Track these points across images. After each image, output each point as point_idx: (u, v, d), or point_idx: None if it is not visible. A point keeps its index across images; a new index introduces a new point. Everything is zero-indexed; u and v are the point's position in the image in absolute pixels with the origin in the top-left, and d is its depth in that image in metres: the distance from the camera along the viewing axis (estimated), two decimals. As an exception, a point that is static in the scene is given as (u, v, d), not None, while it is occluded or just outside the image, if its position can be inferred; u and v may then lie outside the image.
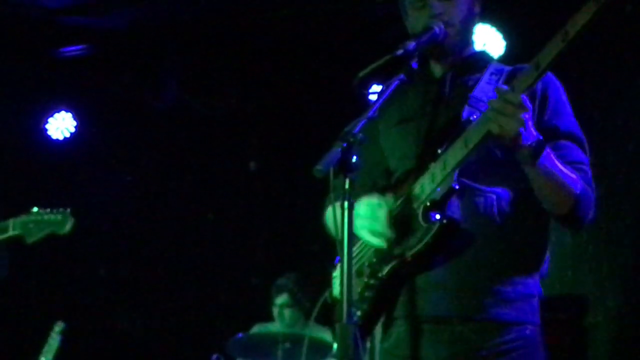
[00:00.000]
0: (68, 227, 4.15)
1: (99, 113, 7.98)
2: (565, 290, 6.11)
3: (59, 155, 7.85)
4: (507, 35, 6.12)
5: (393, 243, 2.93)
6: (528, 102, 2.62)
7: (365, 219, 2.92)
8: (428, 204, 2.84)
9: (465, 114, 2.85)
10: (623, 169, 5.93)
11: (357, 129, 2.56)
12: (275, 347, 5.91)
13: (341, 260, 2.50)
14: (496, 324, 2.85)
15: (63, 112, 7.92)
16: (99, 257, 7.95)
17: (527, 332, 2.87)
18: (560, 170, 2.75)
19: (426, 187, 2.86)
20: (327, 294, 3.20)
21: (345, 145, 2.51)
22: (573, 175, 2.80)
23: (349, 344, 2.45)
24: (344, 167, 2.51)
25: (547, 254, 2.99)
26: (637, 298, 5.95)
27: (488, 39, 6.07)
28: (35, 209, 4.14)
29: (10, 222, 4.13)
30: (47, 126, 7.92)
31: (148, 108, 7.82)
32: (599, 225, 5.98)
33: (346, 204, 2.51)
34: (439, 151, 2.85)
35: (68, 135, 7.93)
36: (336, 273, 3.16)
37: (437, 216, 2.81)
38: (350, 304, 2.48)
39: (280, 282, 6.68)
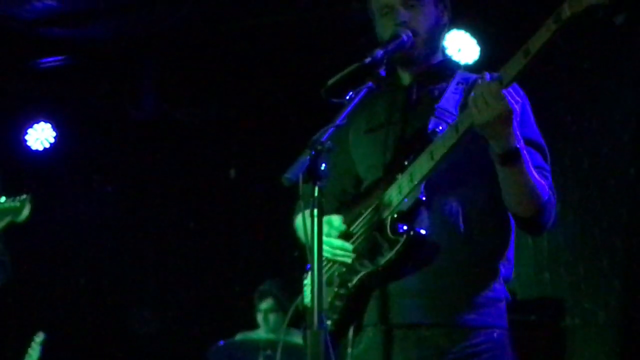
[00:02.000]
0: (25, 212, 4.02)
1: (78, 124, 7.95)
2: (542, 292, 6.14)
3: (39, 166, 7.82)
4: (482, 41, 6.15)
5: (361, 253, 2.96)
6: (510, 98, 2.63)
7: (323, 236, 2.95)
8: (395, 215, 2.88)
9: (431, 125, 2.88)
10: (598, 173, 5.97)
11: (325, 137, 2.57)
12: (257, 354, 5.91)
13: (311, 268, 2.51)
14: (464, 328, 2.87)
15: (42, 123, 7.89)
16: (80, 268, 7.92)
17: (495, 335, 2.90)
18: (532, 173, 2.78)
19: (393, 198, 2.89)
20: (298, 301, 3.21)
21: (313, 153, 2.52)
22: (542, 181, 2.83)
23: (319, 350, 2.46)
24: (312, 175, 2.51)
25: (512, 258, 3.02)
26: (613, 300, 5.98)
27: (462, 45, 6.10)
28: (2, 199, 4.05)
29: None
30: (26, 137, 7.89)
31: (128, 118, 7.80)
32: (575, 228, 6.01)
33: (315, 211, 2.51)
34: (406, 162, 2.88)
35: (48, 145, 7.90)
36: (307, 281, 3.18)
37: (404, 228, 2.85)
38: (320, 310, 2.48)
39: (264, 287, 6.69)
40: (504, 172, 2.75)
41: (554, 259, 6.15)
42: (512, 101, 2.64)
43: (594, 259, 6.08)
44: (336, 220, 3.00)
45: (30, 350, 5.51)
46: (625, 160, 5.97)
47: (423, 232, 2.85)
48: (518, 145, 2.70)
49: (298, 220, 3.21)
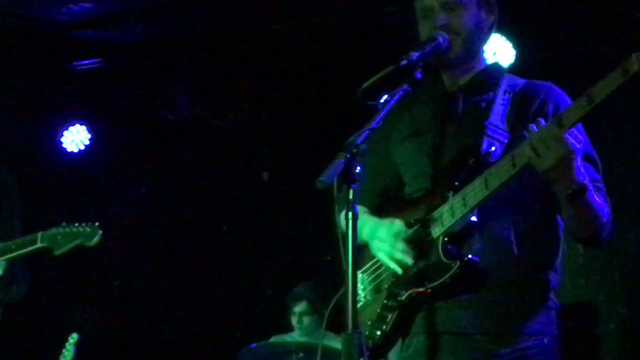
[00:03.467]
0: (96, 239, 4.18)
1: (113, 126, 8.01)
2: (577, 298, 6.11)
3: (74, 168, 7.88)
4: (517, 44, 6.11)
5: (411, 267, 2.95)
6: (571, 139, 2.60)
7: (384, 243, 2.95)
8: (447, 238, 2.87)
9: (485, 146, 2.87)
10: (633, 177, 5.92)
11: (360, 139, 2.55)
12: (289, 357, 5.91)
13: (345, 269, 2.50)
14: (515, 335, 2.89)
15: (78, 125, 7.95)
16: (114, 269, 7.96)
17: (545, 341, 2.91)
18: (595, 201, 2.77)
19: (445, 219, 2.88)
20: (339, 298, 3.20)
21: (348, 156, 2.50)
22: (601, 201, 2.82)
23: (354, 352, 2.45)
24: (347, 178, 2.50)
25: (560, 267, 3.02)
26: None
27: (498, 48, 6.07)
28: (63, 223, 4.18)
29: (39, 234, 4.14)
30: (62, 139, 7.95)
31: (161, 120, 7.85)
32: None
33: (350, 214, 2.50)
34: (457, 183, 2.87)
35: (83, 148, 7.95)
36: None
37: (456, 251, 2.85)
38: (355, 313, 2.47)
39: (298, 290, 6.71)
40: (570, 207, 2.75)
41: (589, 265, 6.11)
42: (574, 141, 2.61)
43: (629, 265, 6.04)
44: (399, 224, 2.97)
45: (64, 351, 5.54)
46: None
47: (475, 259, 2.84)
48: (585, 182, 2.68)
49: (342, 220, 3.22)
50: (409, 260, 2.92)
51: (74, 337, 5.63)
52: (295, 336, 6.66)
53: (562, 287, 3.02)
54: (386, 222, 2.98)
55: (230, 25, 7.00)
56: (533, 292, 2.94)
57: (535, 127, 2.63)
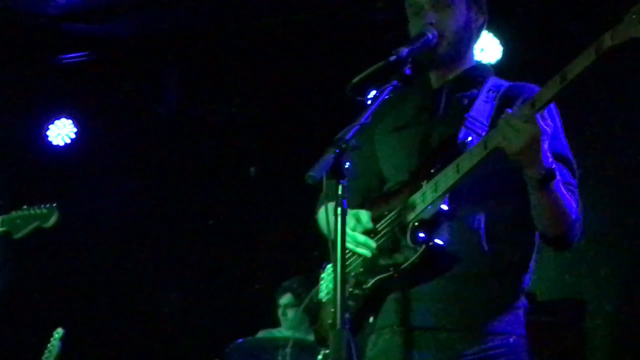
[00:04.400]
0: (52, 220, 4.18)
1: (99, 120, 7.99)
2: (564, 294, 6.12)
3: (60, 162, 7.86)
4: (504, 42, 6.12)
5: (379, 255, 2.95)
6: (541, 122, 2.61)
7: (348, 233, 2.91)
8: (417, 223, 2.87)
9: (461, 136, 2.86)
10: (621, 175, 5.93)
11: (349, 135, 2.55)
12: (276, 352, 5.90)
13: (334, 266, 2.49)
14: (481, 333, 2.87)
15: (64, 119, 7.94)
16: (100, 264, 7.94)
17: (511, 340, 2.89)
18: (564, 195, 2.77)
19: (417, 204, 2.88)
20: (312, 293, 3.21)
21: (337, 151, 2.50)
22: (572, 201, 2.82)
23: (342, 349, 2.44)
24: (336, 173, 2.50)
25: (532, 268, 3.00)
26: (636, 302, 5.95)
27: (485, 45, 6.08)
28: (24, 206, 4.19)
29: (0, 218, 4.15)
30: (48, 132, 7.93)
31: (149, 114, 7.84)
32: (596, 230, 5.98)
33: (339, 210, 2.50)
34: (432, 170, 2.86)
35: (69, 141, 7.94)
36: (323, 275, 3.19)
37: (423, 237, 2.84)
38: (343, 309, 2.47)
39: (285, 283, 6.73)
40: (538, 196, 2.74)
41: (575, 261, 6.12)
42: (543, 124, 2.61)
43: (615, 261, 6.06)
44: (364, 216, 2.99)
45: (49, 346, 5.53)
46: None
47: (440, 242, 2.84)
48: (553, 166, 2.68)
49: (321, 214, 3.21)
50: (371, 242, 2.93)
51: (59, 332, 5.61)
52: (282, 331, 6.66)
53: (549, 282, 3.03)
54: (351, 213, 2.96)
55: (219, 20, 7.00)
56: (502, 289, 2.92)
57: (510, 109, 2.64)
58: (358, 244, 2.95)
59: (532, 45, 6.16)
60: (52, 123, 7.92)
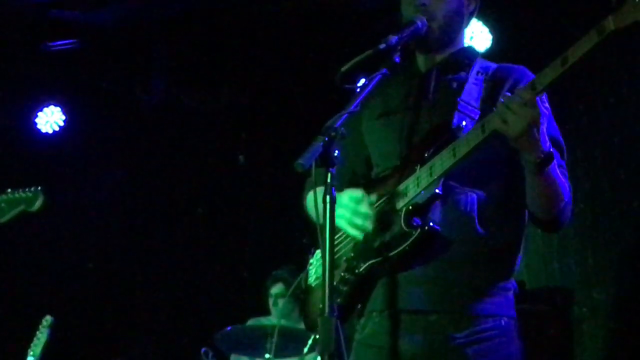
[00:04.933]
0: (38, 204, 4.09)
1: (88, 107, 7.98)
2: (551, 282, 6.13)
3: (48, 149, 7.85)
4: (494, 30, 6.13)
5: (372, 239, 2.94)
6: (541, 105, 2.60)
7: (347, 210, 2.93)
8: (410, 207, 2.86)
9: (455, 121, 2.86)
10: (608, 163, 5.94)
11: (338, 123, 2.55)
12: (265, 340, 5.91)
13: (322, 254, 2.49)
14: (472, 315, 2.87)
15: (52, 107, 7.93)
16: (88, 251, 7.93)
17: (503, 323, 2.90)
18: (559, 177, 2.78)
19: (410, 189, 2.87)
20: (301, 277, 3.22)
21: (327, 139, 2.49)
22: (565, 183, 2.83)
23: (330, 336, 2.44)
24: (325, 161, 2.50)
25: (521, 250, 3.01)
26: (622, 291, 5.97)
27: (475, 33, 6.08)
28: (8, 190, 4.12)
29: None
30: (36, 120, 7.92)
31: (137, 102, 7.82)
32: (585, 219, 6.00)
33: (328, 197, 2.50)
34: (426, 155, 2.86)
35: (57, 129, 7.94)
36: (312, 260, 3.20)
37: (419, 221, 2.83)
38: (332, 296, 2.47)
39: (277, 273, 6.74)
40: (535, 179, 2.74)
41: (563, 250, 6.14)
42: (543, 107, 2.61)
43: (603, 250, 6.07)
44: (358, 193, 2.96)
45: (38, 333, 5.52)
46: (636, 150, 5.95)
47: (436, 227, 2.83)
48: (551, 150, 2.68)
49: (309, 199, 3.20)
50: (369, 225, 2.92)
51: (47, 320, 5.60)
52: (272, 319, 6.67)
53: (537, 270, 3.03)
54: (347, 190, 2.98)
55: (207, 8, 6.97)
56: (493, 271, 2.92)
57: (508, 93, 2.63)
58: (354, 224, 2.93)
59: (521, 34, 6.17)
60: (41, 110, 7.91)
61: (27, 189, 4.09)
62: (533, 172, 2.71)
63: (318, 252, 3.13)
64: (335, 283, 2.95)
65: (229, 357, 6.79)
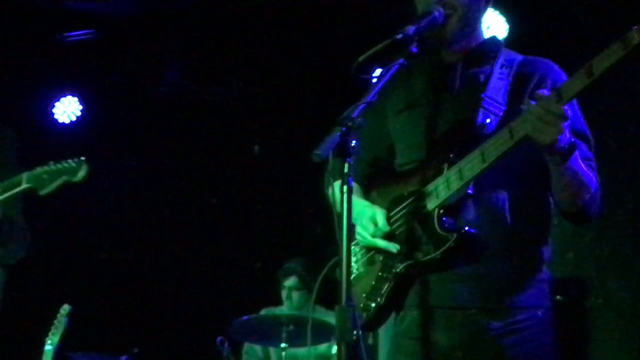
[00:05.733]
0: (82, 174, 3.98)
1: (104, 97, 7.99)
2: (567, 272, 6.12)
3: (65, 139, 7.87)
4: (510, 19, 6.09)
5: (403, 241, 2.95)
6: (568, 112, 2.60)
7: (367, 239, 3.00)
8: (442, 210, 2.87)
9: (480, 118, 2.86)
10: (624, 154, 5.92)
11: (355, 113, 2.54)
12: (280, 329, 5.93)
13: (339, 243, 2.49)
14: (508, 307, 2.89)
15: (69, 97, 7.96)
16: (103, 240, 7.96)
17: (539, 313, 2.91)
18: (583, 170, 2.79)
19: (440, 192, 2.88)
20: (327, 271, 3.21)
21: (344, 129, 2.49)
22: (591, 175, 2.84)
23: (347, 326, 2.45)
24: (342, 151, 2.49)
25: (551, 241, 3.02)
26: (637, 281, 5.96)
27: (491, 23, 6.05)
28: (50, 162, 3.99)
29: (24, 175, 3.97)
30: (53, 110, 7.95)
31: (152, 93, 7.84)
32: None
33: (345, 188, 2.49)
34: (452, 155, 2.87)
35: (74, 119, 7.97)
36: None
37: (452, 222, 2.85)
38: (349, 286, 2.47)
39: (289, 265, 6.74)
40: (559, 170, 2.74)
41: (578, 240, 6.12)
42: (570, 110, 2.61)
43: (618, 240, 6.05)
44: (381, 219, 3.00)
45: (56, 322, 5.53)
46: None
47: (472, 230, 2.83)
48: (573, 140, 2.68)
49: (331, 192, 3.20)
50: (393, 247, 2.95)
51: (65, 309, 5.61)
52: (284, 310, 6.69)
53: (551, 261, 3.03)
54: (369, 211, 3.01)
55: (220, 0, 6.98)
56: (526, 264, 2.93)
57: (534, 101, 2.61)
58: (381, 246, 2.97)
59: (538, 22, 6.13)
60: (58, 100, 7.94)
61: (70, 160, 3.98)
62: (556, 162, 2.71)
63: (353, 247, 3.13)
64: (373, 282, 3.01)
65: (243, 346, 6.83)
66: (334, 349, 6.10)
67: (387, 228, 2.98)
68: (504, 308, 2.88)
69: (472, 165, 2.79)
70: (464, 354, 2.89)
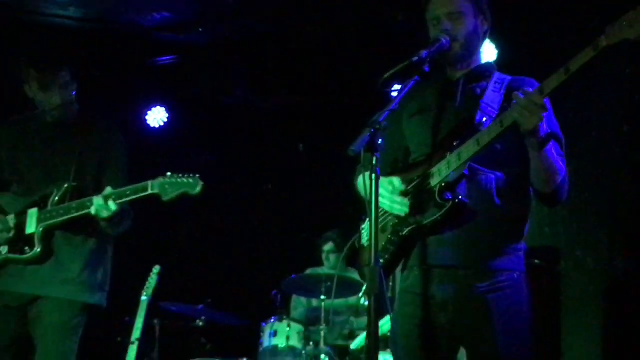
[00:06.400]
0: (199, 189, 3.89)
1: (185, 107, 8.04)
2: (543, 243, 6.07)
3: (155, 139, 7.94)
4: (499, 44, 6.05)
5: (411, 210, 2.94)
6: (548, 104, 2.64)
7: (384, 198, 2.96)
8: (443, 185, 2.86)
9: (478, 118, 2.85)
10: (590, 151, 5.86)
11: (382, 118, 2.56)
12: (320, 285, 5.95)
13: (369, 219, 2.51)
14: (491, 270, 2.87)
15: (158, 107, 8.01)
16: (186, 217, 8.00)
17: (515, 276, 2.89)
18: (555, 159, 2.77)
19: (442, 171, 2.87)
20: (355, 240, 3.23)
21: (373, 130, 2.51)
22: (562, 164, 2.82)
23: (376, 282, 2.47)
24: (371, 147, 2.51)
25: (528, 220, 3.01)
26: (599, 250, 5.91)
27: (483, 48, 5.98)
28: (169, 173, 3.91)
29: (149, 183, 3.87)
30: (147, 117, 8.01)
31: (222, 103, 7.87)
32: (571, 195, 5.92)
33: (373, 176, 2.52)
34: (455, 144, 2.85)
35: (162, 124, 8.02)
36: (364, 226, 3.20)
37: (450, 195, 2.83)
38: (377, 251, 2.50)
39: (327, 234, 6.78)
40: (537, 155, 2.73)
41: (553, 217, 6.08)
42: (549, 105, 2.66)
43: (585, 217, 5.99)
44: (397, 182, 2.99)
45: (149, 279, 5.60)
46: (611, 140, 5.86)
47: (465, 200, 2.83)
48: (549, 131, 2.70)
49: (359, 181, 3.22)
50: (405, 210, 2.93)
51: (156, 268, 5.68)
52: (325, 269, 6.71)
53: (532, 234, 3.01)
54: (386, 180, 2.99)
55: (276, 30, 6.99)
56: (508, 236, 2.91)
57: (521, 94, 2.63)
58: (394, 203, 2.95)
59: (521, 49, 6.09)
60: (150, 110, 8.00)
61: (187, 175, 3.92)
62: (535, 148, 2.70)
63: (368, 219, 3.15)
64: (383, 243, 3.00)
65: (292, 297, 6.85)
66: (362, 300, 6.11)
67: (402, 187, 2.97)
68: (488, 270, 2.85)
69: (468, 148, 2.79)
70: (454, 307, 2.87)
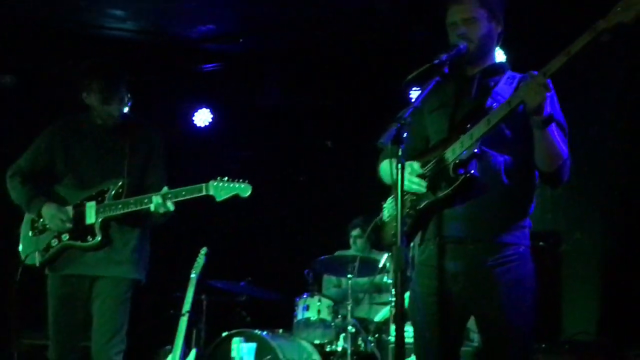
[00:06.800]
0: (249, 193, 3.95)
1: (227, 109, 8.06)
2: (546, 227, 6.04)
3: (202, 137, 7.97)
4: (507, 48, 5.96)
5: (428, 187, 2.92)
6: (551, 85, 2.60)
7: (406, 176, 2.92)
8: (457, 161, 2.83)
9: (488, 103, 2.82)
10: (587, 146, 5.79)
11: (407, 114, 2.55)
12: (347, 266, 5.95)
13: (395, 205, 2.50)
14: (499, 244, 2.83)
15: (204, 108, 8.03)
16: (230, 205, 8.00)
17: (521, 249, 2.86)
18: (558, 140, 2.73)
19: (456, 150, 2.84)
20: (377, 220, 3.22)
21: (399, 125, 2.50)
22: (564, 147, 2.77)
23: (401, 259, 2.45)
24: (397, 140, 2.50)
25: (534, 200, 2.96)
26: (596, 234, 5.86)
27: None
28: (219, 177, 3.95)
29: (203, 185, 3.91)
30: (194, 118, 8.04)
31: (258, 106, 7.88)
32: (571, 184, 5.84)
33: (399, 165, 2.51)
34: (468, 126, 2.82)
35: (207, 124, 8.04)
36: (385, 204, 3.19)
37: (462, 171, 2.80)
38: (403, 233, 2.48)
39: (355, 220, 6.77)
40: (540, 134, 2.68)
41: (555, 204, 6.03)
42: (551, 86, 2.61)
43: (583, 204, 5.95)
44: (416, 165, 2.98)
45: (198, 259, 5.62)
46: (608, 136, 5.80)
47: (476, 174, 2.79)
48: (552, 112, 2.65)
49: (382, 166, 3.20)
50: (422, 189, 2.90)
51: (204, 250, 5.70)
52: (352, 252, 6.70)
53: (535, 218, 2.97)
54: (406, 163, 2.94)
55: (303, 40, 6.99)
56: (514, 213, 2.87)
57: (528, 76, 2.62)
58: (413, 183, 2.93)
59: (529, 51, 6.00)
60: (197, 111, 8.03)
61: (239, 180, 3.95)
62: (539, 127, 2.65)
63: (390, 198, 3.13)
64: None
65: (322, 276, 6.85)
66: (384, 279, 6.10)
67: (420, 170, 2.95)
68: (496, 243, 2.81)
69: (480, 128, 2.75)
70: (464, 279, 2.84)
